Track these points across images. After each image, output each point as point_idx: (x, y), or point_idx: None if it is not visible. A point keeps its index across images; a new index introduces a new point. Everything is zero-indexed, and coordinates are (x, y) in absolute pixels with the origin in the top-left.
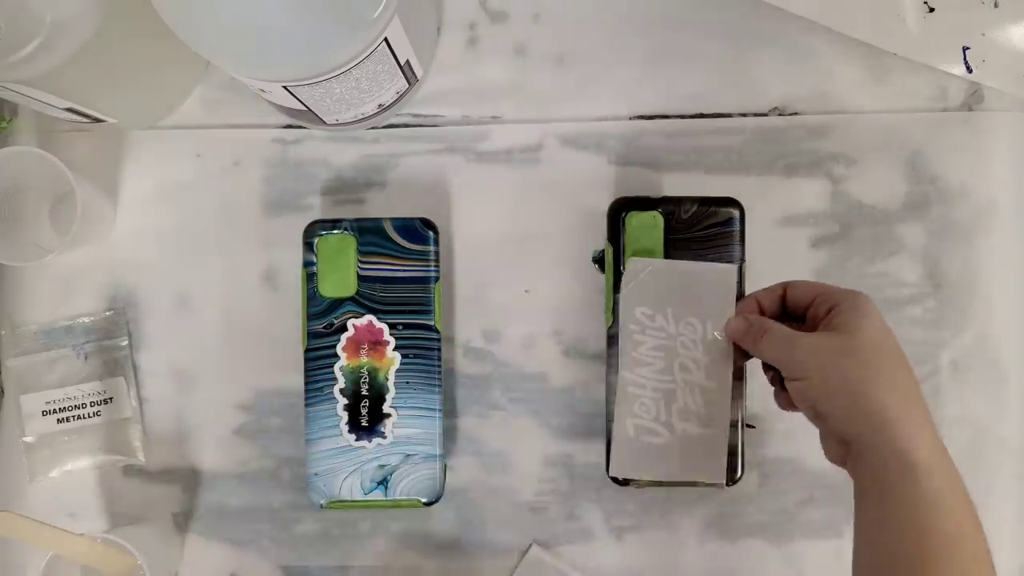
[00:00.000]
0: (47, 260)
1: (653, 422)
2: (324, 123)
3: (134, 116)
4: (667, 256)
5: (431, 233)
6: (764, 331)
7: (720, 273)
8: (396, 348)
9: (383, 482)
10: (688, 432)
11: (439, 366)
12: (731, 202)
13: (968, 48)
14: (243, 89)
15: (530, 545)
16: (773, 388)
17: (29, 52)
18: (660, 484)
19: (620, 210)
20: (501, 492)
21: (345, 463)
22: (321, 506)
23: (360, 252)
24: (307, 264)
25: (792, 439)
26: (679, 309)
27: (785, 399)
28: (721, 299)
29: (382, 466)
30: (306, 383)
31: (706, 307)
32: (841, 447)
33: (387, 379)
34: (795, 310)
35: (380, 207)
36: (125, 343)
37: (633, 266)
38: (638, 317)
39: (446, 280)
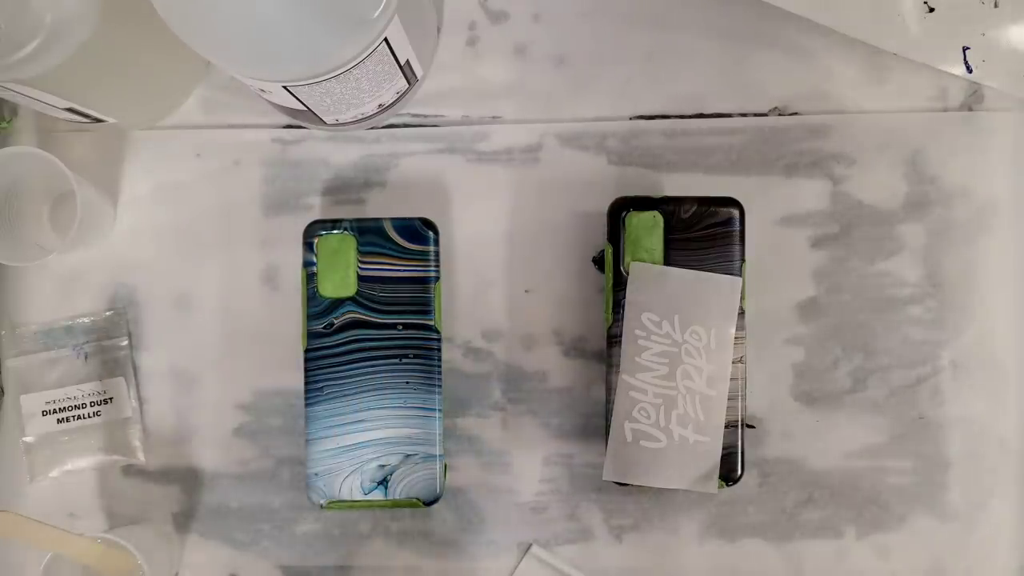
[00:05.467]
0: (47, 260)
1: (652, 427)
2: (324, 123)
3: (134, 116)
4: (668, 256)
5: (431, 233)
6: None
7: (726, 284)
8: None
9: (383, 482)
10: (685, 439)
11: (439, 366)
12: (731, 202)
13: (968, 48)
14: (243, 89)
15: (530, 545)
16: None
17: (29, 52)
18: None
19: (620, 210)
20: (501, 492)
21: (345, 463)
22: (321, 506)
23: (360, 252)
24: (307, 264)
25: (792, 439)
26: (686, 317)
27: None
28: (725, 310)
29: (382, 466)
30: (306, 383)
31: (712, 317)
32: None
33: None
34: None
35: (380, 207)
36: (125, 343)
37: (639, 271)
38: (644, 323)
39: (446, 280)
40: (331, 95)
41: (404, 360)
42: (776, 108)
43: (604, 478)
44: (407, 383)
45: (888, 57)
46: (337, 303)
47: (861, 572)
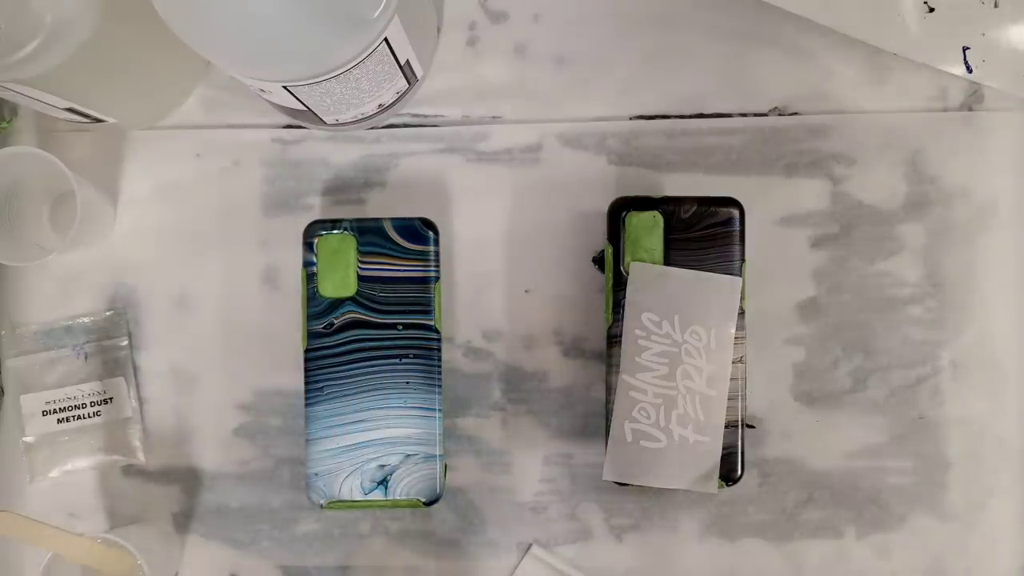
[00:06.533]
0: (47, 260)
1: (652, 427)
2: (324, 123)
3: (134, 116)
4: (668, 257)
5: (431, 233)
6: None
7: (726, 284)
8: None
9: (383, 482)
10: (685, 439)
11: (439, 366)
12: (731, 202)
13: (968, 48)
14: (243, 89)
15: (530, 545)
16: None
17: (29, 52)
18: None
19: (620, 210)
20: (501, 492)
21: (345, 463)
22: (321, 506)
23: (360, 252)
24: (307, 264)
25: (792, 439)
26: (686, 317)
27: None
28: (725, 310)
29: (382, 466)
30: (306, 383)
31: (712, 317)
32: None
33: None
34: None
35: (380, 207)
36: (125, 343)
37: (639, 271)
38: (644, 323)
39: (446, 280)
40: (331, 95)
41: (404, 360)
42: (776, 108)
43: (604, 478)
44: (407, 383)
45: (888, 57)
46: (337, 303)
47: (861, 572)
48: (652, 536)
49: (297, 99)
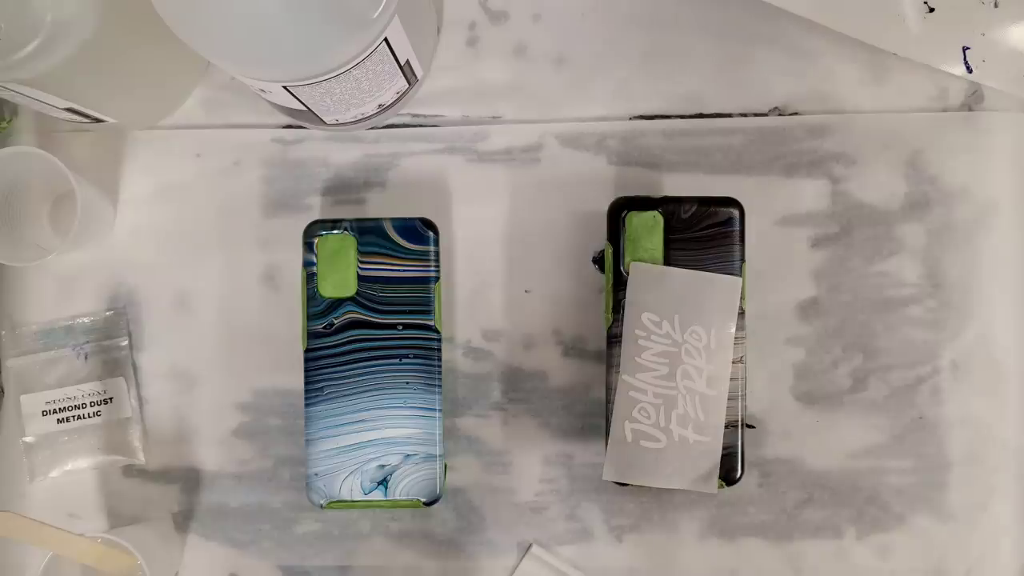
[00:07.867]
0: (47, 260)
1: (652, 427)
2: (324, 123)
3: (134, 116)
4: (668, 257)
5: (431, 233)
6: None
7: (726, 284)
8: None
9: (383, 482)
10: (685, 439)
11: (439, 366)
12: (731, 202)
13: (968, 48)
14: (243, 89)
15: (530, 545)
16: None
17: (29, 52)
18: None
19: (620, 210)
20: (501, 492)
21: (345, 463)
22: (321, 506)
23: (360, 252)
24: (307, 264)
25: (791, 439)
26: (686, 317)
27: None
28: (725, 310)
29: (382, 466)
30: (306, 383)
31: (712, 317)
32: None
33: None
34: None
35: (380, 207)
36: (125, 343)
37: (639, 271)
38: (644, 323)
39: (446, 280)
40: (331, 95)
41: (404, 360)
42: (776, 108)
43: (604, 478)
44: (407, 383)
45: (888, 57)
46: (337, 303)
47: (861, 572)
48: (652, 536)
49: (297, 99)
